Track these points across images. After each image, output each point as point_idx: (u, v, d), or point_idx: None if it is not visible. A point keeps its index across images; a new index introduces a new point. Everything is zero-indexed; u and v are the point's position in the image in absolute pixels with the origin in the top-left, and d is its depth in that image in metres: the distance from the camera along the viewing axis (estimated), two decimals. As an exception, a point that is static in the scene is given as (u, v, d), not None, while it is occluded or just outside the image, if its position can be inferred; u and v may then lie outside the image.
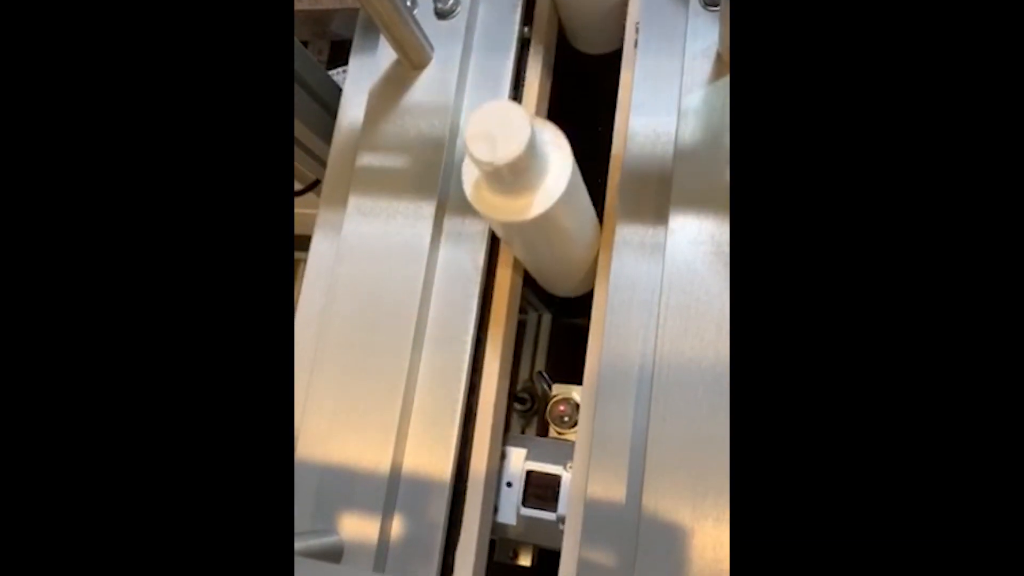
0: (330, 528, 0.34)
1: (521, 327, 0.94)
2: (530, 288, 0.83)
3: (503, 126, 0.26)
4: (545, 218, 0.29)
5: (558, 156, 0.29)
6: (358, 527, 0.34)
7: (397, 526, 0.35)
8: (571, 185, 0.29)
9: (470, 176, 0.30)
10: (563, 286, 0.42)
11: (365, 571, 0.33)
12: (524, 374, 0.80)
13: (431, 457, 0.35)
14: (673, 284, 0.33)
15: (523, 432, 0.62)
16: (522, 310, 0.95)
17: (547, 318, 0.94)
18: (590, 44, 0.46)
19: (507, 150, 0.26)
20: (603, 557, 0.32)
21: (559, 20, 0.44)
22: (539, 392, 0.65)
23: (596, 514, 0.33)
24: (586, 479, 0.33)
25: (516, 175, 0.28)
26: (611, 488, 0.33)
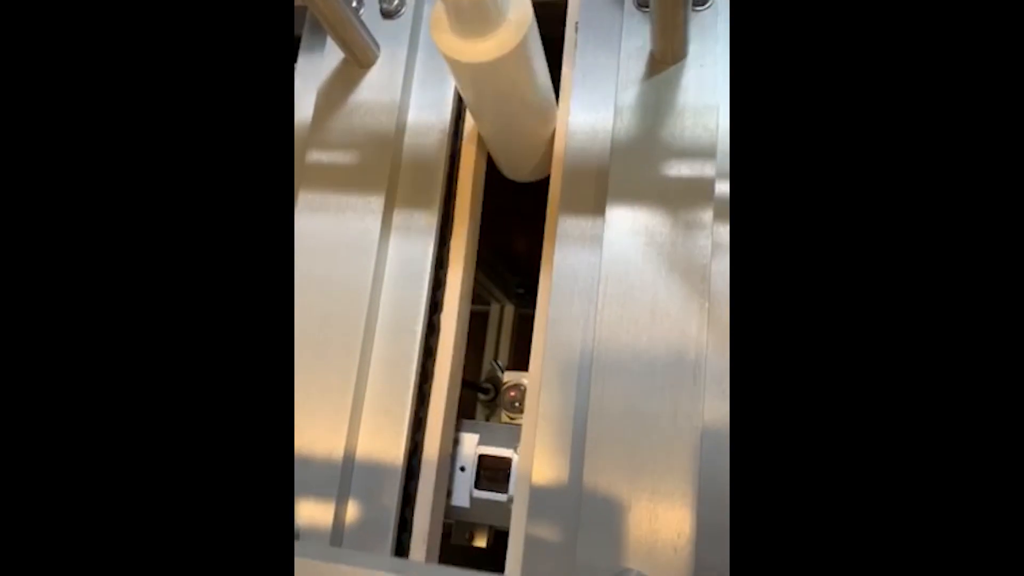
0: (286, 515, 0.35)
1: (484, 319, 0.96)
2: (491, 279, 0.84)
3: None
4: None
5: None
6: (313, 512, 0.35)
7: (352, 511, 0.36)
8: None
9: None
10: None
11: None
12: (488, 365, 0.81)
13: (384, 443, 0.37)
14: (610, 273, 0.34)
15: (488, 421, 0.63)
16: (485, 302, 0.96)
17: (509, 309, 0.96)
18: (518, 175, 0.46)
19: None
20: (548, 533, 0.34)
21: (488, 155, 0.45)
22: (500, 382, 0.67)
23: (541, 493, 0.34)
24: (532, 460, 0.35)
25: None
26: (555, 467, 0.34)
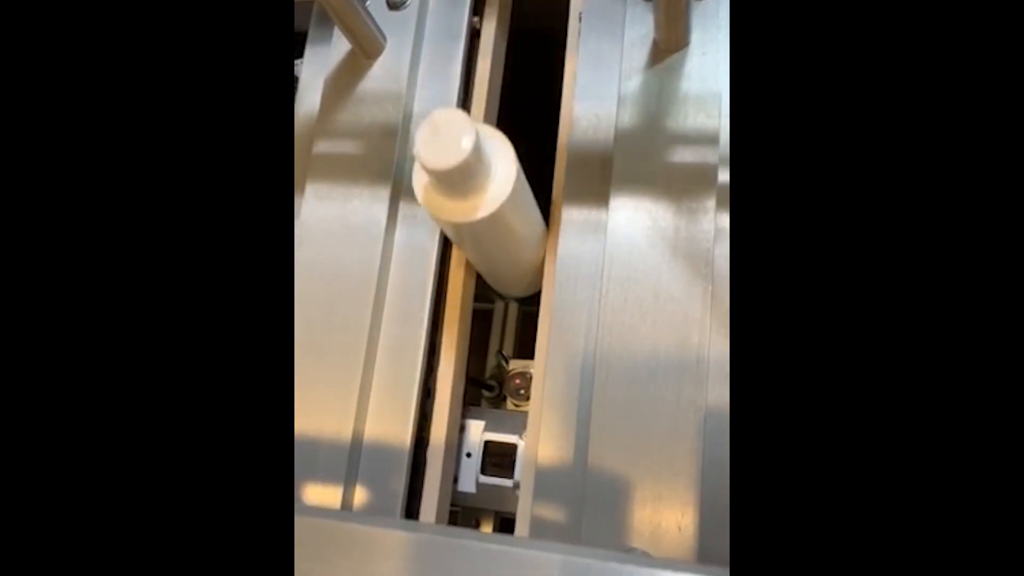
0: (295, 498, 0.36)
1: (488, 316, 0.96)
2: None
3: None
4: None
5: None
6: (321, 496, 0.36)
7: (359, 495, 0.37)
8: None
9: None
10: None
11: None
12: (492, 361, 0.81)
13: (391, 428, 0.37)
14: (614, 258, 0.35)
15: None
16: (488, 299, 0.97)
17: (513, 306, 0.96)
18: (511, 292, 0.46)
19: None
20: (553, 515, 0.34)
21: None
22: (504, 377, 0.67)
23: (547, 476, 0.35)
24: (537, 444, 0.35)
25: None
26: (560, 451, 0.35)
